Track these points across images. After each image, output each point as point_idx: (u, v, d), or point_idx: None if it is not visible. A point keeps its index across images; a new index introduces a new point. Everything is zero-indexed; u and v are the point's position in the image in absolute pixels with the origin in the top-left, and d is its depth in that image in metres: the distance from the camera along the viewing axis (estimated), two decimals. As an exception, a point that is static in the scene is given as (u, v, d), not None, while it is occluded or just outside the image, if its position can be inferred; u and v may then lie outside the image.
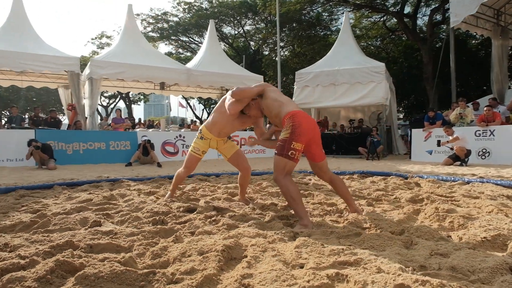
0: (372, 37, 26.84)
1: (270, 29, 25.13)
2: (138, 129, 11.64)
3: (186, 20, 25.34)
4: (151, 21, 25.84)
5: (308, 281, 1.47)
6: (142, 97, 33.01)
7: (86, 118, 10.33)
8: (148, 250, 1.96)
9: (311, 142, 2.74)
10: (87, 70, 10.46)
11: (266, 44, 26.67)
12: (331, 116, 15.79)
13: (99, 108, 35.12)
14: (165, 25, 26.12)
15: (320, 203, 3.43)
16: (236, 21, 27.59)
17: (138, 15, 25.26)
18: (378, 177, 5.89)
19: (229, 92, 3.07)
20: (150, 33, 25.79)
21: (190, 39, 28.18)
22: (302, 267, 1.71)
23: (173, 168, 8.37)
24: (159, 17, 25.74)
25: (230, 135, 3.60)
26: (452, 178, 5.04)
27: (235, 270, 1.66)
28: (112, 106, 36.80)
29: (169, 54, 27.47)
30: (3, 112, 25.55)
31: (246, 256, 1.82)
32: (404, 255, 1.83)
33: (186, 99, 31.07)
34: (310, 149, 2.81)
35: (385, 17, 23.64)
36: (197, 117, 34.59)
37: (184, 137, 10.74)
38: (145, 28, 26.28)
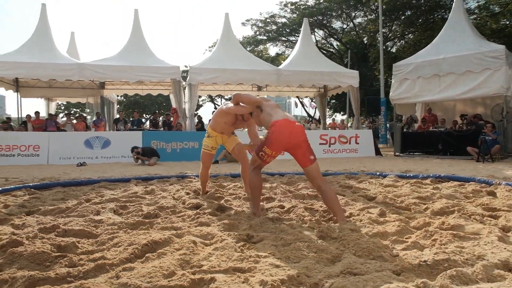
0: (517, 12, 22.29)
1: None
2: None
3: (293, 20, 25.73)
4: (260, 24, 27.11)
5: (171, 281, 1.55)
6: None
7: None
8: (105, 238, 2.28)
9: (288, 149, 3.00)
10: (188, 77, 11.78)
11: (375, 36, 24.98)
12: (445, 111, 13.88)
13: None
14: (274, 27, 27.03)
15: (326, 210, 3.24)
16: (345, 15, 26.65)
17: (248, 20, 26.89)
18: (454, 182, 5.08)
19: (224, 103, 3.76)
20: (259, 37, 27.08)
21: (297, 38, 28.48)
22: (200, 267, 1.77)
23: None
24: (268, 20, 26.79)
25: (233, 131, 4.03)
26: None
27: (135, 262, 1.83)
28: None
29: (277, 55, 28.40)
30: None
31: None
32: (311, 270, 1.69)
33: (299, 98, 31.53)
34: (293, 155, 3.05)
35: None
36: (309, 115, 34.70)
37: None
38: (255, 32, 27.79)
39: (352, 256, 1.83)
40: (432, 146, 11.43)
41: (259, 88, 15.02)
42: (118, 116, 13.81)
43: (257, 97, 3.60)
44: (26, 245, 1.95)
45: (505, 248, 1.88)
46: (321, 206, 3.42)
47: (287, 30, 26.64)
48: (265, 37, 27.17)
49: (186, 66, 21.48)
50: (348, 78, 12.71)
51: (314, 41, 28.87)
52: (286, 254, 1.89)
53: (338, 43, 30.11)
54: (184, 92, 11.98)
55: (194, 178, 5.94)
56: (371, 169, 7.66)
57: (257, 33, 27.63)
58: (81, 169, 8.14)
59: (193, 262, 1.82)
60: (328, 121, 21.55)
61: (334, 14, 25.97)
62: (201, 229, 2.43)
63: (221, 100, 38.88)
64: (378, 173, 6.36)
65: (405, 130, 12.73)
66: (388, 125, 15.62)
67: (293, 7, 25.70)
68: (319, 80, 12.53)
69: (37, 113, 12.23)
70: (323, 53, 30.51)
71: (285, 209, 3.33)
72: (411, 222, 2.72)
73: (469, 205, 3.21)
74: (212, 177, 6.07)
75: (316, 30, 28.45)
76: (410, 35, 24.77)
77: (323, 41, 30.52)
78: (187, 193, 4.17)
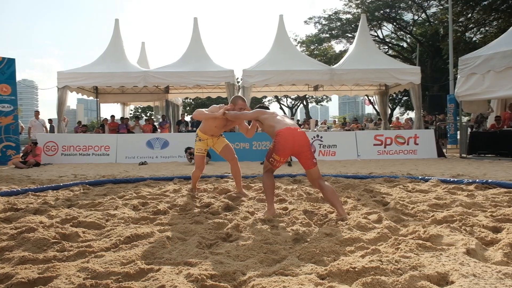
0: None
1: (458, 7, 21.44)
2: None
3: (358, 15, 24.85)
4: (324, 22, 26.70)
5: (123, 268, 1.83)
6: (325, 97, 34.33)
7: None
8: (105, 230, 2.67)
9: (294, 154, 3.37)
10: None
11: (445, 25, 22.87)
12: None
13: (285, 109, 38.94)
14: (338, 24, 26.42)
15: (325, 214, 3.28)
16: (416, 5, 24.93)
17: (310, 18, 26.67)
18: (501, 189, 4.63)
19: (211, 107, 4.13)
20: (322, 35, 26.68)
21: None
22: (160, 259, 2.02)
23: (299, 167, 8.85)
24: (332, 16, 26.26)
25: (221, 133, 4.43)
26: None
27: (109, 251, 2.15)
28: (296, 107, 40.08)
29: (340, 52, 27.65)
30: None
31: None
32: (249, 268, 1.84)
33: (368, 96, 30.36)
34: (297, 158, 3.39)
35: None
36: (378, 113, 33.19)
37: (321, 137, 10.99)
38: (319, 30, 27.45)
39: (294, 259, 1.93)
40: (507, 147, 10.27)
41: (315, 88, 14.92)
42: (180, 118, 14.83)
43: (252, 111, 3.77)
44: (37, 232, 2.42)
45: (460, 262, 1.80)
46: (325, 210, 3.46)
47: (352, 26, 25.79)
48: (327, 35, 26.66)
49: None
50: (408, 75, 11.99)
51: (382, 36, 27.55)
52: (238, 253, 2.05)
53: (410, 36, 28.26)
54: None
55: (231, 179, 6.27)
56: (421, 172, 7.25)
57: (321, 31, 27.25)
58: (140, 168, 9.04)
59: (157, 255, 2.09)
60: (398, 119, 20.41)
61: (403, 5, 24.46)
62: (187, 226, 2.69)
63: (287, 100, 39.17)
64: (420, 177, 6.01)
65: (474, 129, 11.60)
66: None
67: (358, 1, 24.83)
68: (375, 78, 12.02)
69: (112, 116, 13.75)
70: (393, 48, 28.96)
71: (287, 211, 3.44)
72: (401, 230, 2.65)
73: (481, 215, 2.98)
74: (250, 178, 6.30)
75: (384, 24, 27.10)
76: (494, 22, 22.23)
77: (392, 35, 28.92)
78: (208, 192, 4.49)
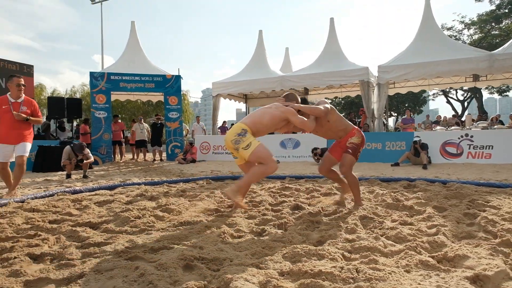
0: None
1: None
2: (437, 129, 11.29)
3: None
4: (502, -4, 22.07)
5: (152, 245, 2.41)
6: (506, 87, 28.38)
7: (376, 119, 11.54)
8: (177, 216, 3.36)
9: None
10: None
11: None
12: None
13: (454, 102, 33.91)
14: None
15: (382, 219, 3.10)
16: None
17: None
18: None
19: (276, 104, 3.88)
20: (499, 11, 22.07)
21: None
22: (186, 241, 2.52)
23: (436, 171, 7.92)
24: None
25: None
26: None
27: (156, 231, 2.78)
28: (469, 100, 34.32)
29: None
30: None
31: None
32: (232, 258, 2.12)
33: None
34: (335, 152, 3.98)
35: None
36: None
37: (472, 136, 9.38)
38: (497, 6, 22.86)
39: (279, 256, 2.08)
40: None
41: (476, 78, 12.68)
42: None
43: (323, 106, 3.76)
44: (128, 212, 3.30)
45: (438, 285, 1.60)
46: (390, 217, 3.25)
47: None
48: (506, 10, 21.83)
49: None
50: None
51: None
52: (242, 245, 2.34)
53: None
54: (373, 92, 11.90)
55: (322, 179, 6.27)
56: None
57: (498, 6, 22.57)
58: (270, 166, 9.86)
59: (188, 238, 2.58)
60: None
61: None
62: (234, 219, 3.10)
63: (456, 93, 33.88)
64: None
65: None
66: None
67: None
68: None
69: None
70: None
71: (350, 214, 3.39)
72: (447, 247, 2.33)
73: None
74: (394, 181, 5.99)
75: None
76: None
77: None
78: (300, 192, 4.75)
